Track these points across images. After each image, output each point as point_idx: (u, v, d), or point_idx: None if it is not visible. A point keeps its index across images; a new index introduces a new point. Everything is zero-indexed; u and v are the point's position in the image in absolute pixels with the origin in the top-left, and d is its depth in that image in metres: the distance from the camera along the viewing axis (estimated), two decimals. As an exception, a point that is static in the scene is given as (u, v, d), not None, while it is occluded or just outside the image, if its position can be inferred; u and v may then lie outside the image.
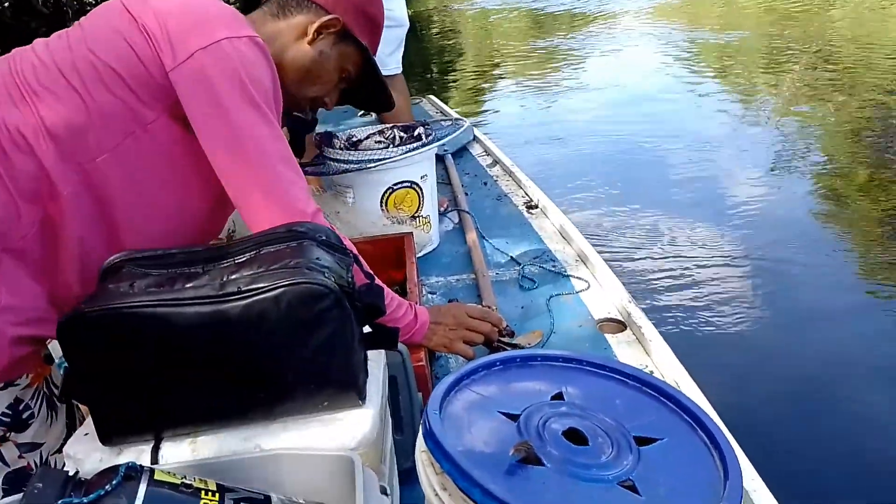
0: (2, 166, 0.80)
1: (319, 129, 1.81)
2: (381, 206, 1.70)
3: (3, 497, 0.87)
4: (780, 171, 3.64)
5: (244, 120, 0.85)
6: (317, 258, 0.72)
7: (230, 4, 0.96)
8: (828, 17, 7.91)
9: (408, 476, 0.90)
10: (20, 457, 0.89)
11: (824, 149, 3.91)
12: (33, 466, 0.90)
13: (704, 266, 2.68)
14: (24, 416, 0.88)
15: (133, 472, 0.53)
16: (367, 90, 1.18)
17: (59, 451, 0.94)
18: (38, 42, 0.88)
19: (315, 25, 1.02)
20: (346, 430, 0.69)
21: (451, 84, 6.66)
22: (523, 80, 6.54)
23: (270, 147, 0.87)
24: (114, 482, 0.51)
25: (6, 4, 6.84)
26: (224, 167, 0.86)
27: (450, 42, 9.04)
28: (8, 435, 0.88)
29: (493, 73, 7.13)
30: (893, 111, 4.41)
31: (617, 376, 0.76)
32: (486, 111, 5.53)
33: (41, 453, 0.91)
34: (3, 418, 0.86)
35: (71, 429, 0.96)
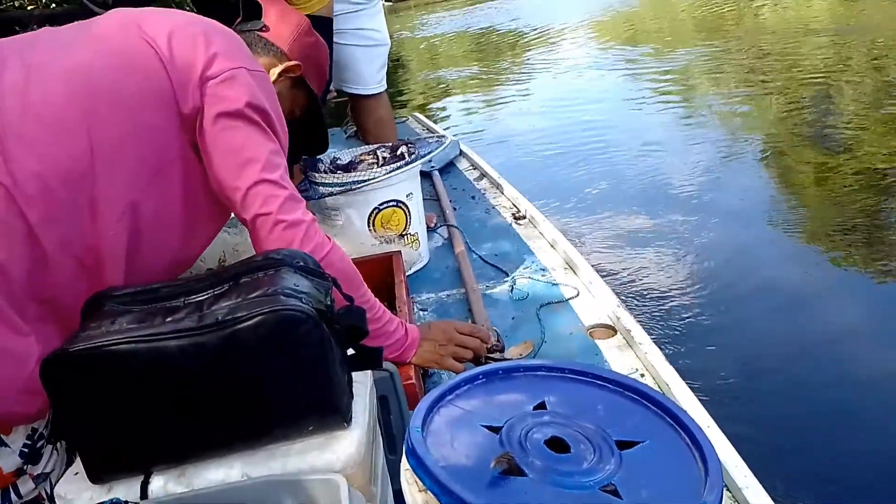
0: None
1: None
2: (369, 226, 1.72)
3: None
4: (731, 162, 3.76)
5: (251, 137, 0.92)
6: (294, 284, 0.73)
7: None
8: (755, 9, 8.18)
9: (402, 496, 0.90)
10: (34, 489, 0.90)
11: (773, 137, 4.04)
12: (44, 496, 0.91)
13: (687, 265, 2.72)
14: (38, 445, 0.89)
15: (117, 509, 0.54)
16: (308, 133, 1.28)
17: None
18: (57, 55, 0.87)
19: (279, 69, 1.13)
20: (332, 452, 0.70)
21: (402, 109, 6.76)
22: (473, 101, 6.66)
23: (265, 149, 0.93)
24: (98, 519, 0.52)
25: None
26: (220, 170, 0.91)
27: (399, 69, 9.19)
28: (25, 468, 0.88)
29: (443, 96, 7.25)
30: (825, 93, 4.55)
31: (599, 382, 0.77)
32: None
33: (50, 481, 0.92)
34: (24, 449, 0.86)
35: (71, 455, 0.97)
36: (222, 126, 0.89)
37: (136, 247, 0.87)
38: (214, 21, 0.98)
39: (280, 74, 1.12)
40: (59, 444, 0.94)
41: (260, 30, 1.18)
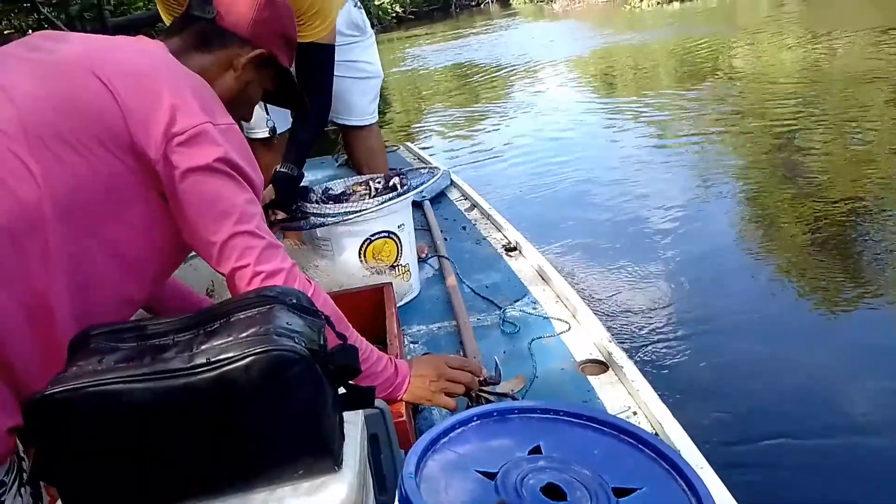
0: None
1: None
2: (360, 257, 1.71)
3: None
4: (709, 199, 3.86)
5: (223, 190, 0.90)
6: (287, 323, 0.71)
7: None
8: (730, 55, 8.43)
9: (392, 537, 0.88)
10: None
11: (749, 175, 4.17)
12: None
13: (673, 297, 2.76)
14: (1, 498, 0.86)
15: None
16: (283, 96, 1.25)
17: None
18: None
19: (242, 60, 1.07)
20: (323, 498, 0.68)
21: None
22: (458, 134, 6.74)
23: (239, 200, 0.91)
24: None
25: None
26: (194, 225, 0.89)
27: (385, 103, 9.29)
28: None
29: (429, 129, 7.32)
30: (793, 136, 4.70)
31: (594, 425, 0.76)
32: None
33: None
34: None
35: (36, 499, 0.93)
36: (192, 182, 0.87)
37: (86, 287, 0.84)
38: (182, 66, 0.95)
39: (245, 65, 1.07)
40: (23, 490, 0.91)
41: (213, 18, 1.07)
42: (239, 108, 1.10)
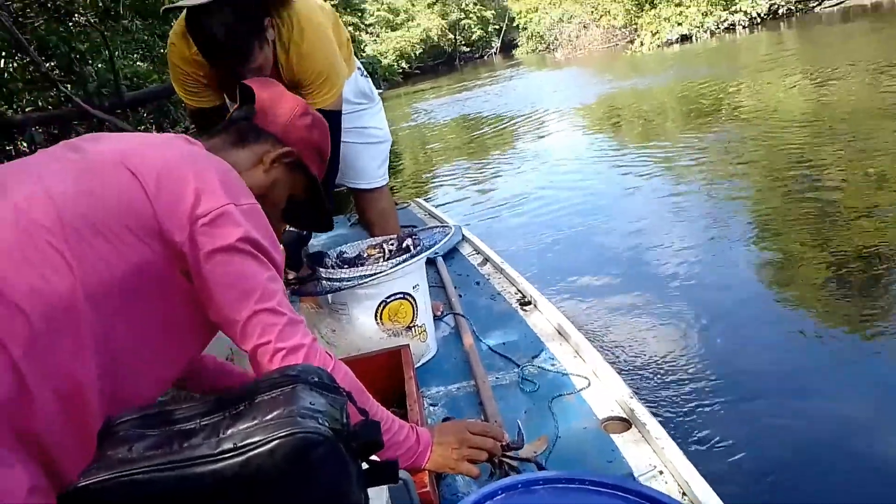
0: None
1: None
2: (377, 319, 1.72)
3: None
4: (724, 243, 3.78)
5: (245, 269, 0.92)
6: (310, 403, 0.73)
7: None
8: (736, 96, 8.50)
9: None
10: None
11: (766, 219, 4.10)
12: None
13: (691, 345, 2.70)
14: None
15: None
16: (311, 212, 1.29)
17: None
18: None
19: (272, 156, 1.13)
20: (351, 580, 0.68)
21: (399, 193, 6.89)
22: (468, 187, 6.76)
23: (261, 278, 0.94)
24: None
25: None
26: (218, 305, 0.92)
27: (395, 158, 9.43)
28: None
29: (438, 183, 7.38)
30: (808, 176, 4.65)
31: (620, 493, 0.76)
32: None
33: None
34: None
35: None
36: (217, 262, 0.90)
37: (117, 369, 0.86)
38: (211, 155, 0.99)
39: (274, 161, 1.13)
40: None
41: (252, 116, 1.15)
42: (265, 207, 1.10)
